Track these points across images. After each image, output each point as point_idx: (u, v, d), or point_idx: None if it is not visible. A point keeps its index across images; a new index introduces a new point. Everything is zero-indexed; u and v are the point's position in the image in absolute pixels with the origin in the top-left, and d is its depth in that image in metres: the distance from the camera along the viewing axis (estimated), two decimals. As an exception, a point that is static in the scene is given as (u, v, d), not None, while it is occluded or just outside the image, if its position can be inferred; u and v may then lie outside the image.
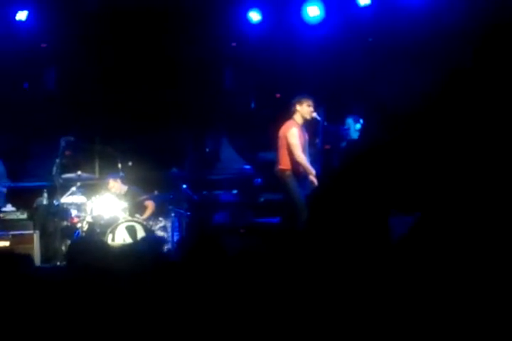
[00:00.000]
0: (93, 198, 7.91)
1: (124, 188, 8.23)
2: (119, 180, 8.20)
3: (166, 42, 9.03)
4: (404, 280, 3.31)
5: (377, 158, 6.12)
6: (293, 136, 6.91)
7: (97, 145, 9.20)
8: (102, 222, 7.76)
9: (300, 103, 7.02)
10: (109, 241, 7.48)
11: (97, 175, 9.06)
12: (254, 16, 9.01)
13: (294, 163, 6.93)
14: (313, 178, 6.87)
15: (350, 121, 7.96)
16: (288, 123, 7.03)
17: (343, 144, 7.93)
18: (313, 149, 7.32)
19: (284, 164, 6.96)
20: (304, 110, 7.01)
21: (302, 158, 6.88)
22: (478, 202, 4.99)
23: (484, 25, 6.53)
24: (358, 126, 7.90)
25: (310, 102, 7.02)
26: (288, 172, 6.92)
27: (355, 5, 8.54)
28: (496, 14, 6.62)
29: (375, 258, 3.85)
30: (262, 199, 8.66)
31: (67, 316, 3.24)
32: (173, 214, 8.26)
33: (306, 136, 7.13)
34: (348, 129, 7.85)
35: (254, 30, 9.10)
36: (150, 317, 3.22)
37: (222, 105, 9.57)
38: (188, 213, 8.40)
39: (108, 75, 9.15)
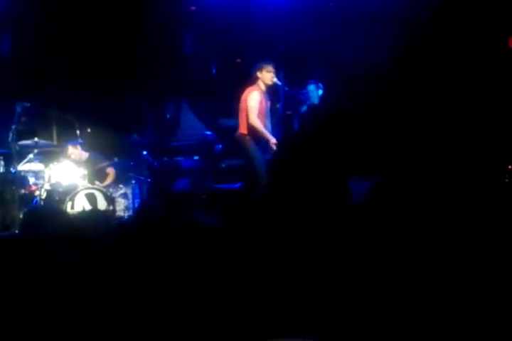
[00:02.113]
0: (51, 165, 7.75)
1: (85, 155, 8.08)
2: (78, 147, 8.05)
3: (123, 6, 8.81)
4: (363, 240, 3.34)
5: (337, 123, 6.13)
6: (252, 99, 6.89)
7: (54, 111, 9.01)
8: (61, 189, 7.63)
9: (260, 70, 7.00)
10: (68, 209, 7.39)
11: (54, 142, 8.87)
12: (214, -21, 8.85)
13: (251, 126, 6.91)
14: (272, 143, 6.86)
15: (312, 87, 7.92)
16: (251, 88, 7.01)
17: (304, 109, 7.93)
18: (275, 116, 7.30)
19: (245, 128, 6.93)
20: (265, 76, 6.98)
21: (256, 122, 6.84)
22: (433, 167, 5.06)
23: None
24: (321, 92, 7.89)
25: (270, 68, 6.99)
26: (248, 137, 6.90)
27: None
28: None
29: (335, 220, 3.88)
30: (223, 165, 8.64)
31: (23, 282, 3.20)
32: (133, 181, 8.18)
33: (269, 103, 7.11)
34: (307, 93, 7.83)
35: (213, -7, 8.96)
36: (107, 284, 3.19)
37: (183, 70, 9.44)
38: (149, 180, 8.33)
39: (65, 40, 8.91)
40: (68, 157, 7.99)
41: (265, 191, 6.37)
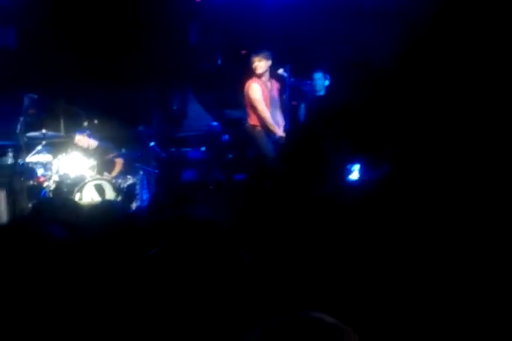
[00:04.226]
0: (59, 156, 7.79)
1: (94, 143, 8.04)
2: (85, 135, 8.06)
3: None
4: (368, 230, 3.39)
5: (343, 114, 6.17)
6: (254, 91, 6.94)
7: (62, 104, 9.05)
8: (69, 180, 7.66)
9: (253, 60, 7.06)
10: (77, 200, 7.44)
11: (62, 133, 8.93)
12: (220, -29, 8.85)
13: (261, 118, 6.96)
14: (279, 135, 6.90)
15: (319, 75, 7.89)
16: (249, 80, 7.06)
17: (309, 100, 7.94)
18: (281, 108, 7.33)
19: (253, 120, 6.99)
20: (256, 66, 7.04)
21: (266, 113, 6.89)
22: (443, 159, 5.09)
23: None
24: (327, 82, 7.88)
25: (258, 57, 7.02)
26: (258, 128, 6.96)
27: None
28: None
29: (338, 211, 3.92)
30: (229, 156, 8.68)
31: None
32: (141, 172, 8.22)
33: (273, 92, 7.13)
34: (312, 83, 7.81)
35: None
36: (114, 275, 3.21)
37: (188, 62, 9.46)
38: (157, 171, 8.37)
39: (70, 33, 8.94)
40: (75, 145, 7.97)
41: (275, 181, 6.42)
